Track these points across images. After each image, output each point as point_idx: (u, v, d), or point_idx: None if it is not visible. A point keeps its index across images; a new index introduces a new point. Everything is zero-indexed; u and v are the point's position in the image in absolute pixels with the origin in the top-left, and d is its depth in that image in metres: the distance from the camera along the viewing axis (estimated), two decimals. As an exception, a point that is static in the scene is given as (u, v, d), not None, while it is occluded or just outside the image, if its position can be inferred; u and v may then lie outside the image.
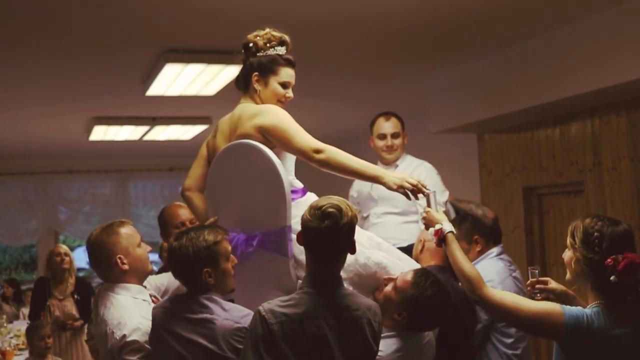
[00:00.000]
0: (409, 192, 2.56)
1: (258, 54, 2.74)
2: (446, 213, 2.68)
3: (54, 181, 9.32)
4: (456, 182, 5.12)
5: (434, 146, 6.10)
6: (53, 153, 8.97)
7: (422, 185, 2.57)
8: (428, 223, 2.61)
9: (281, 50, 2.76)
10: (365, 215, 4.26)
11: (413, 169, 4.11)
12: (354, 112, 6.68)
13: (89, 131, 6.99)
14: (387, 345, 2.43)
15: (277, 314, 2.16)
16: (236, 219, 2.66)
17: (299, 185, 2.73)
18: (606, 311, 2.16)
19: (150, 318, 2.42)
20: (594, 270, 2.17)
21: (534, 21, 4.13)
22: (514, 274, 3.34)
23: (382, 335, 2.34)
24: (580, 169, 4.90)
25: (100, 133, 7.07)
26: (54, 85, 5.17)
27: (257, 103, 2.75)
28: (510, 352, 3.20)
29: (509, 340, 3.20)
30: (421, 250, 3.06)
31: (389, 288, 2.53)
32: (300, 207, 2.46)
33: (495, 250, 3.38)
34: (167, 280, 2.91)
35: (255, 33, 2.77)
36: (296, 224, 2.43)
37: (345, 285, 2.38)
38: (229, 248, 2.44)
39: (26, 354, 5.37)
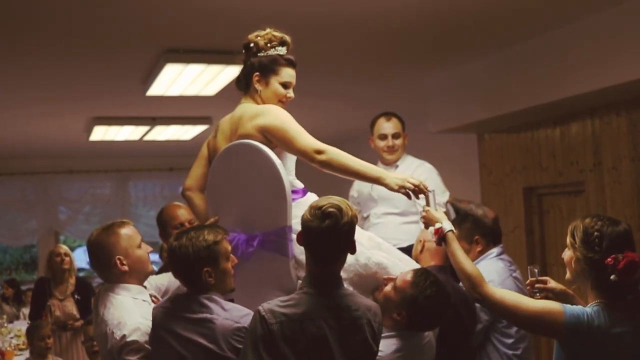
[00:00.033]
0: (411, 193, 2.57)
1: (259, 54, 2.74)
2: (446, 214, 2.68)
3: (54, 181, 9.32)
4: (456, 182, 5.12)
5: (434, 146, 6.10)
6: (53, 153, 8.97)
7: (424, 187, 2.58)
8: (428, 222, 2.61)
9: (282, 50, 2.76)
10: (365, 215, 4.26)
11: (414, 169, 4.11)
12: (354, 112, 6.68)
13: (89, 131, 6.99)
14: (387, 345, 2.43)
15: (276, 314, 2.16)
16: (237, 219, 2.66)
17: (300, 185, 2.73)
18: (606, 310, 2.17)
19: (150, 318, 2.42)
20: (594, 269, 2.19)
21: (534, 21, 4.13)
22: (514, 274, 3.34)
23: (382, 335, 2.33)
24: (580, 169, 4.90)
25: (101, 133, 7.07)
26: (54, 85, 5.17)
27: (258, 103, 2.75)
28: (510, 352, 3.20)
29: (510, 341, 3.21)
30: (421, 251, 3.06)
31: (388, 288, 2.53)
32: (300, 207, 2.46)
33: (495, 250, 3.38)
34: (167, 281, 2.91)
35: (256, 33, 2.77)
36: (297, 224, 2.43)
37: (346, 285, 2.38)
38: (229, 248, 2.44)
39: (27, 354, 5.37)
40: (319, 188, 2.72)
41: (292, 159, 2.71)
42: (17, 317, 7.84)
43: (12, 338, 6.04)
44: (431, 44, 4.52)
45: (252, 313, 2.24)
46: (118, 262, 2.55)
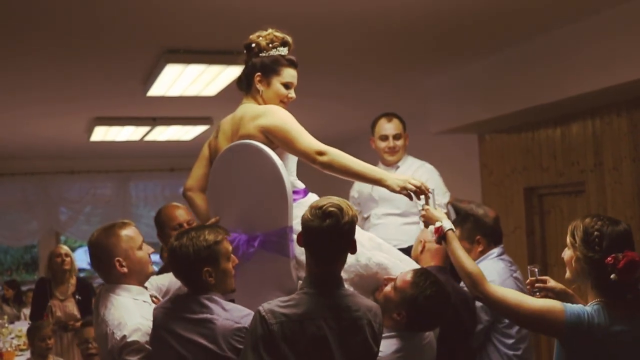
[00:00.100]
0: (412, 194, 2.57)
1: (260, 55, 2.74)
2: (447, 214, 2.68)
3: (54, 182, 9.33)
4: (457, 183, 5.12)
5: (434, 147, 6.10)
6: (54, 153, 8.98)
7: (425, 188, 2.57)
8: (427, 221, 2.61)
9: (283, 50, 2.76)
10: (365, 216, 4.26)
11: (414, 170, 4.10)
12: (354, 113, 6.68)
13: (89, 132, 7.00)
14: (387, 345, 2.43)
15: (277, 314, 2.16)
16: (238, 220, 2.66)
17: (301, 186, 2.73)
18: (606, 309, 2.18)
19: (151, 319, 2.42)
20: (594, 268, 2.20)
21: (534, 21, 4.12)
22: (514, 275, 3.34)
23: (382, 335, 2.33)
24: (581, 169, 4.90)
25: (101, 133, 7.07)
26: (54, 85, 5.18)
27: (259, 103, 2.75)
28: (511, 352, 3.20)
29: (510, 341, 3.21)
30: (422, 251, 3.06)
31: (388, 288, 2.53)
32: (301, 207, 2.45)
33: (496, 250, 3.38)
34: (168, 281, 2.91)
35: (257, 33, 2.77)
36: (297, 225, 2.42)
37: (346, 285, 2.38)
38: (230, 248, 2.44)
39: (27, 354, 5.37)
40: (319, 188, 2.72)
41: (293, 159, 2.71)
42: (18, 318, 7.84)
43: (12, 338, 6.04)
44: (431, 44, 4.52)
45: (252, 313, 2.24)
46: (117, 264, 2.55)
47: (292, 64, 2.77)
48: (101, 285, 2.75)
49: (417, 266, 2.74)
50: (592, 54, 4.09)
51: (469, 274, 2.36)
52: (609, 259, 2.15)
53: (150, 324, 2.41)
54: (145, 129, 6.96)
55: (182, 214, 3.42)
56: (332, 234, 2.20)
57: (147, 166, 9.69)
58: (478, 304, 3.06)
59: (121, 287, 2.56)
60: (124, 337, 2.39)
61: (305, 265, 2.31)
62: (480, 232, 3.38)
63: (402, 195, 2.59)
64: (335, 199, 2.25)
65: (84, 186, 9.50)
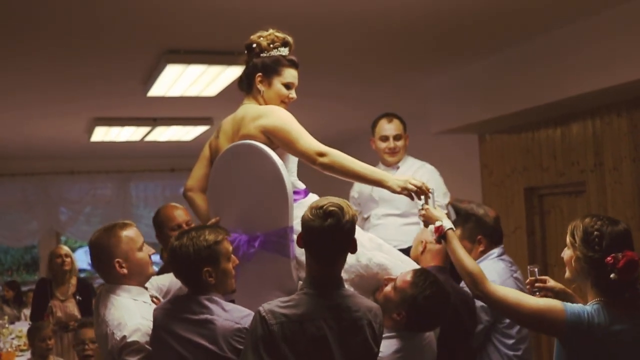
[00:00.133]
0: (413, 194, 2.57)
1: (261, 55, 2.75)
2: (447, 215, 2.68)
3: (55, 182, 9.32)
4: (457, 183, 5.12)
5: (434, 147, 6.10)
6: (54, 154, 8.98)
7: (426, 188, 2.57)
8: (427, 220, 2.60)
9: (284, 51, 2.76)
10: (365, 216, 4.25)
11: (415, 170, 4.10)
12: (355, 113, 6.68)
13: (90, 132, 7.00)
14: (386, 345, 2.42)
15: (277, 315, 2.16)
16: (238, 220, 2.66)
17: (301, 186, 2.74)
18: (606, 308, 2.19)
19: (151, 319, 2.42)
20: (594, 268, 2.21)
21: (534, 21, 4.12)
22: (515, 275, 3.34)
23: (382, 336, 2.33)
24: (581, 169, 4.89)
25: (102, 134, 7.07)
26: (54, 86, 5.18)
27: (260, 104, 2.75)
28: (511, 353, 3.20)
29: (510, 342, 3.21)
30: (422, 252, 3.06)
31: (388, 288, 2.53)
32: (302, 208, 2.45)
33: (496, 251, 3.38)
34: (169, 281, 2.90)
35: (258, 34, 2.78)
36: (298, 225, 2.42)
37: (347, 286, 2.38)
38: (230, 248, 2.44)
39: (28, 354, 5.37)
40: (320, 189, 2.72)
41: (293, 160, 2.71)
42: (18, 318, 7.84)
43: (13, 339, 6.05)
44: (431, 44, 4.52)
45: (252, 314, 2.24)
46: (117, 265, 2.54)
47: (293, 64, 2.77)
48: (101, 286, 2.75)
49: (418, 266, 2.74)
50: (592, 54, 4.09)
51: (470, 273, 2.36)
52: (609, 258, 2.17)
53: (150, 324, 2.41)
54: (146, 129, 6.96)
55: (180, 214, 3.40)
56: (334, 233, 2.19)
57: (147, 166, 9.69)
58: (478, 304, 3.06)
59: (121, 288, 2.56)
60: (124, 337, 2.38)
61: (305, 266, 2.31)
62: (481, 231, 3.38)
63: (402, 196, 2.60)
64: (334, 199, 2.25)
65: (84, 186, 9.50)
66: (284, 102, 2.77)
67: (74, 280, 5.80)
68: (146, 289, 2.67)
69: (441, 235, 2.51)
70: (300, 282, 2.38)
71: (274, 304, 2.20)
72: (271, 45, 2.74)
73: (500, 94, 4.95)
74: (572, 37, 4.22)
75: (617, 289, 2.20)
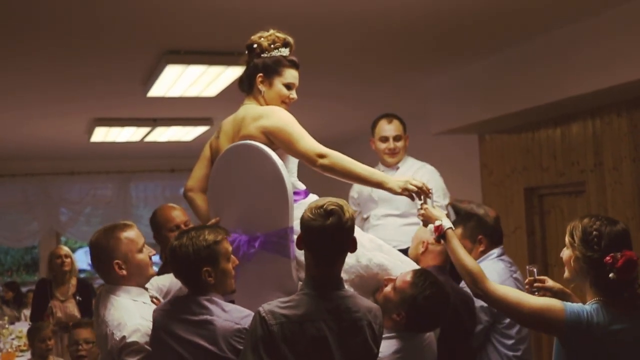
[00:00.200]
0: (414, 194, 2.57)
1: (262, 55, 2.75)
2: (447, 216, 2.68)
3: (55, 182, 9.33)
4: (457, 183, 5.12)
5: (434, 147, 6.10)
6: (54, 154, 8.98)
7: (427, 188, 2.57)
8: (426, 219, 2.60)
9: (285, 51, 2.77)
10: (365, 216, 4.25)
11: (415, 171, 4.10)
12: (355, 113, 6.68)
13: (90, 132, 7.00)
14: (386, 346, 2.42)
15: (277, 315, 2.16)
16: (238, 220, 2.66)
17: (302, 186, 2.74)
18: (605, 307, 2.20)
19: (151, 319, 2.42)
20: (593, 267, 2.22)
21: (534, 21, 4.12)
22: (514, 275, 3.34)
23: (382, 336, 2.33)
24: (581, 169, 4.89)
25: (102, 134, 7.07)
26: (54, 86, 5.18)
27: (261, 104, 2.75)
28: (511, 353, 3.21)
29: (510, 342, 3.21)
30: (423, 252, 3.06)
31: (388, 288, 2.53)
32: (302, 208, 2.45)
33: (496, 251, 3.39)
34: (169, 282, 2.90)
35: (259, 34, 2.78)
36: (298, 225, 2.42)
37: (347, 286, 2.38)
38: (230, 248, 2.44)
39: (28, 355, 5.37)
40: (320, 190, 2.72)
41: (294, 160, 2.72)
42: (18, 319, 7.84)
43: (13, 339, 6.05)
44: (431, 44, 4.52)
45: (252, 314, 2.24)
46: (116, 266, 2.54)
47: (293, 64, 2.77)
48: (101, 286, 2.74)
49: (418, 267, 2.74)
50: (592, 54, 4.09)
51: (470, 272, 2.36)
52: (608, 258, 2.18)
53: (150, 324, 2.41)
54: (146, 129, 6.96)
55: (178, 215, 3.35)
56: (335, 232, 2.19)
57: (147, 167, 9.69)
58: (477, 304, 3.06)
59: (121, 289, 2.55)
60: (124, 337, 2.38)
61: (305, 267, 2.31)
62: (482, 231, 3.38)
63: (401, 196, 2.59)
64: (332, 199, 2.25)
65: (84, 187, 9.51)
66: (285, 103, 2.77)
67: (74, 281, 5.80)
68: (146, 289, 2.67)
69: (441, 235, 2.51)
70: (300, 283, 2.38)
71: (274, 305, 2.20)
72: (272, 46, 2.75)
73: (500, 94, 4.95)
74: (572, 37, 4.22)
75: (615, 289, 2.21)
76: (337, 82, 5.47)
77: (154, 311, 2.45)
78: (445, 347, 2.73)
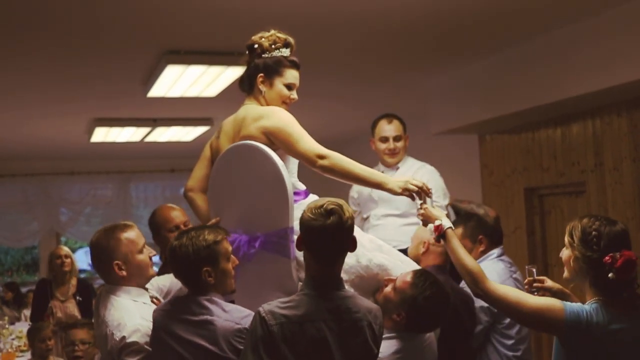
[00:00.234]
0: (414, 194, 2.56)
1: (263, 56, 2.75)
2: (447, 216, 2.68)
3: (55, 183, 9.33)
4: (457, 183, 5.12)
5: (434, 147, 6.10)
6: (54, 154, 8.98)
7: (427, 188, 2.57)
8: (426, 219, 2.60)
9: (286, 52, 2.77)
10: (365, 216, 4.25)
11: (415, 171, 4.09)
12: (354, 113, 6.68)
13: (90, 133, 7.00)
14: (386, 346, 2.42)
15: (277, 315, 2.16)
16: (238, 220, 2.66)
17: (302, 187, 2.74)
18: (604, 307, 2.21)
19: (151, 320, 2.42)
20: (592, 267, 2.23)
21: (534, 21, 4.12)
22: (514, 275, 3.34)
23: (382, 336, 2.33)
24: (581, 169, 4.89)
25: (102, 134, 7.07)
26: (54, 86, 5.18)
27: (261, 104, 2.75)
28: (510, 353, 3.21)
29: (510, 342, 3.21)
30: (424, 252, 3.06)
31: (388, 289, 2.53)
32: (302, 208, 2.45)
33: (496, 251, 3.39)
34: (169, 282, 2.90)
35: (260, 34, 2.78)
36: (298, 226, 2.43)
37: (347, 286, 2.38)
38: (230, 248, 2.43)
39: (28, 355, 5.37)
40: (320, 190, 2.72)
41: (294, 160, 2.72)
42: (18, 319, 7.84)
43: (13, 339, 6.05)
44: (431, 44, 4.52)
45: (252, 314, 2.24)
46: (116, 267, 2.54)
47: (294, 65, 2.77)
48: (101, 286, 2.74)
49: (418, 267, 2.74)
50: (592, 54, 4.09)
51: (470, 271, 2.36)
52: (607, 258, 2.18)
53: (150, 325, 2.41)
54: (146, 130, 6.96)
55: (178, 215, 3.33)
56: (336, 231, 2.19)
57: (147, 167, 9.69)
58: (477, 304, 3.06)
59: (121, 289, 2.55)
60: (124, 338, 2.38)
61: (305, 267, 2.31)
62: (482, 231, 3.38)
63: (401, 196, 2.59)
64: (332, 199, 2.25)
65: (84, 187, 9.51)
66: (285, 103, 2.77)
67: (74, 281, 5.80)
68: (146, 290, 2.67)
69: (440, 234, 2.51)
70: (300, 283, 2.38)
71: (274, 305, 2.20)
72: (273, 46, 2.75)
73: (500, 94, 4.95)
74: (572, 37, 4.22)
75: (615, 289, 2.21)
76: (337, 82, 5.47)
77: (154, 311, 2.45)
78: (445, 347, 2.73)
